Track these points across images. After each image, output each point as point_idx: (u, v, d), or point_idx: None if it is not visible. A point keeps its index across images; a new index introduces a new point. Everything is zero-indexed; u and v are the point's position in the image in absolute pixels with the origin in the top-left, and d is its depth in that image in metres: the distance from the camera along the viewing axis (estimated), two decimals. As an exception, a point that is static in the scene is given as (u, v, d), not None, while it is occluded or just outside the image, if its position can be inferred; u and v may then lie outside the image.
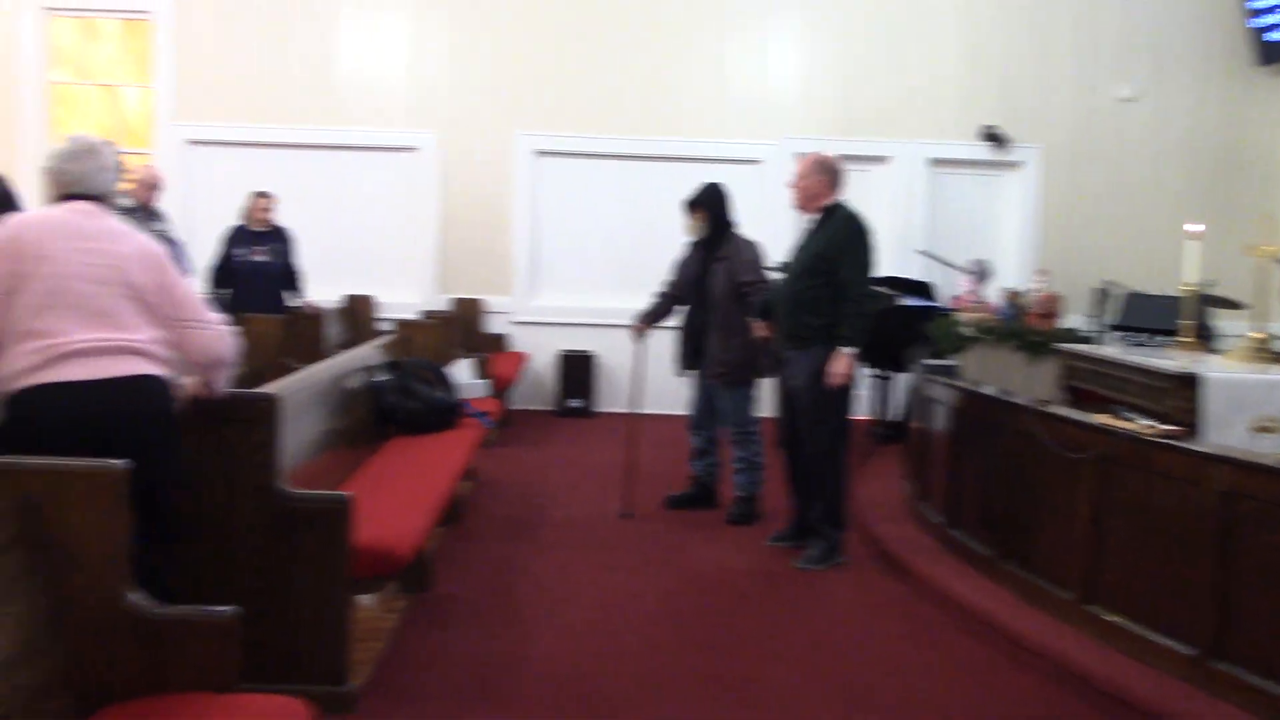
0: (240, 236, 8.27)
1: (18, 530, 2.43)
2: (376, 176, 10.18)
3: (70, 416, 3.06)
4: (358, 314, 9.66)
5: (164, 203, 7.57)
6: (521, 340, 10.22)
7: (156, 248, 3.38)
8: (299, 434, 4.18)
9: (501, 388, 8.53)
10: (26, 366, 3.09)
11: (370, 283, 9.97)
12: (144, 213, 6.96)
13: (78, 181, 3.32)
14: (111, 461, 2.57)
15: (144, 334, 3.24)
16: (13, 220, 3.23)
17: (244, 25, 10.02)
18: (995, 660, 4.30)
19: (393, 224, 10.21)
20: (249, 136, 10.01)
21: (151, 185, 7.32)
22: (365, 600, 4.43)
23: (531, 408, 10.10)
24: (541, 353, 10.22)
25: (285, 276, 8.30)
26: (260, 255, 8.19)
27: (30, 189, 10.06)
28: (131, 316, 3.22)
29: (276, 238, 8.35)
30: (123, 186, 8.53)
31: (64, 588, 2.50)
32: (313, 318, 8.36)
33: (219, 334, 3.43)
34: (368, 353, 6.16)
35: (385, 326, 8.70)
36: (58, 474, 2.52)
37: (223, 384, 3.51)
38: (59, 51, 10.15)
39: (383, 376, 5.98)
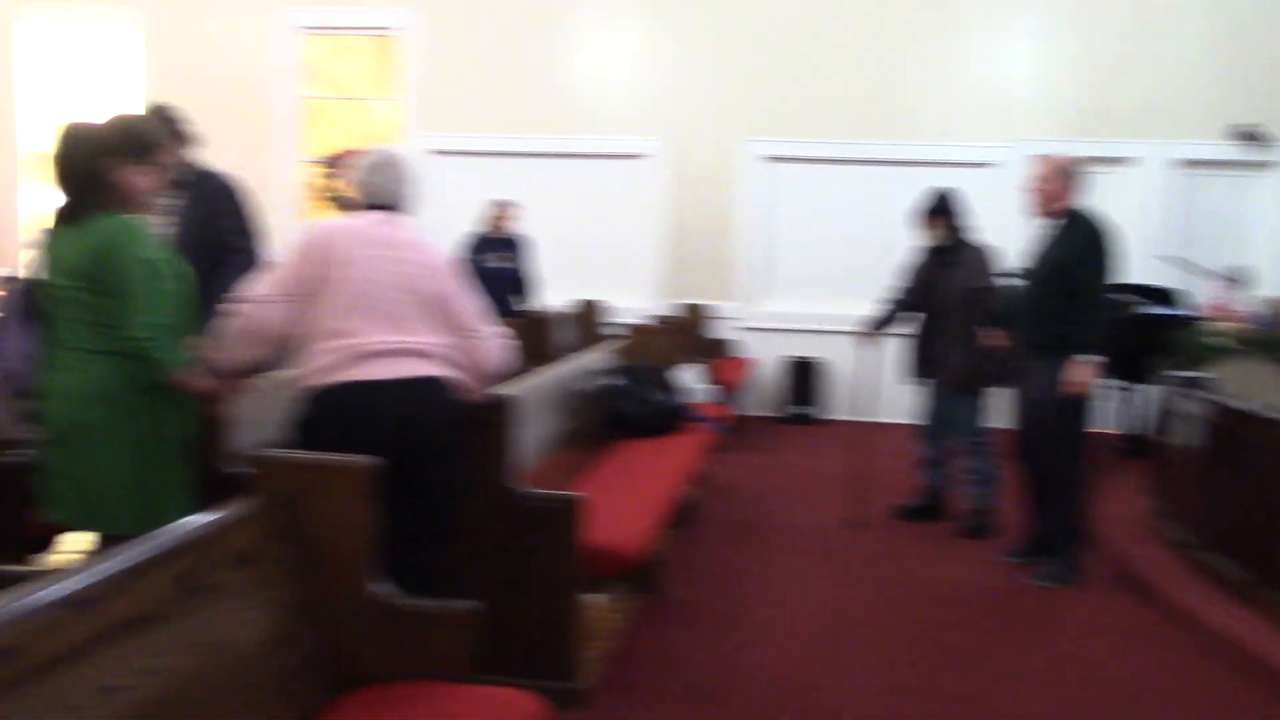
0: (480, 243, 8.61)
1: (281, 519, 2.57)
2: (606, 183, 10.36)
3: (366, 413, 3.24)
4: (588, 319, 9.84)
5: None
6: (748, 346, 10.21)
7: (446, 258, 3.55)
8: (532, 435, 4.28)
9: (728, 393, 8.54)
10: (328, 364, 3.28)
11: (600, 288, 10.15)
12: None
13: (379, 193, 3.50)
14: (361, 458, 2.68)
15: (433, 338, 3.39)
16: (319, 226, 3.43)
17: (483, 39, 10.36)
18: (1252, 692, 4.04)
19: (622, 230, 10.37)
20: (486, 146, 10.35)
21: None
22: (595, 599, 4.50)
23: (757, 414, 10.07)
24: (768, 358, 10.19)
25: (519, 282, 8.60)
26: (497, 261, 8.50)
27: (283, 195, 10.66)
28: (423, 321, 3.38)
29: (514, 245, 8.65)
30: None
31: (317, 577, 2.62)
32: (543, 322, 8.58)
33: (497, 345, 3.57)
34: (598, 356, 6.27)
35: (614, 331, 8.84)
36: (314, 468, 2.65)
37: (488, 389, 3.66)
38: (312, 68, 10.73)
39: (612, 380, 6.06)
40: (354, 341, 3.28)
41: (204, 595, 2.26)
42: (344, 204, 10.49)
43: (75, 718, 1.80)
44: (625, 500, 4.45)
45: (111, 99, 10.58)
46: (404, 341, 3.33)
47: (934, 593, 5.10)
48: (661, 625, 4.50)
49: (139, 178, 3.33)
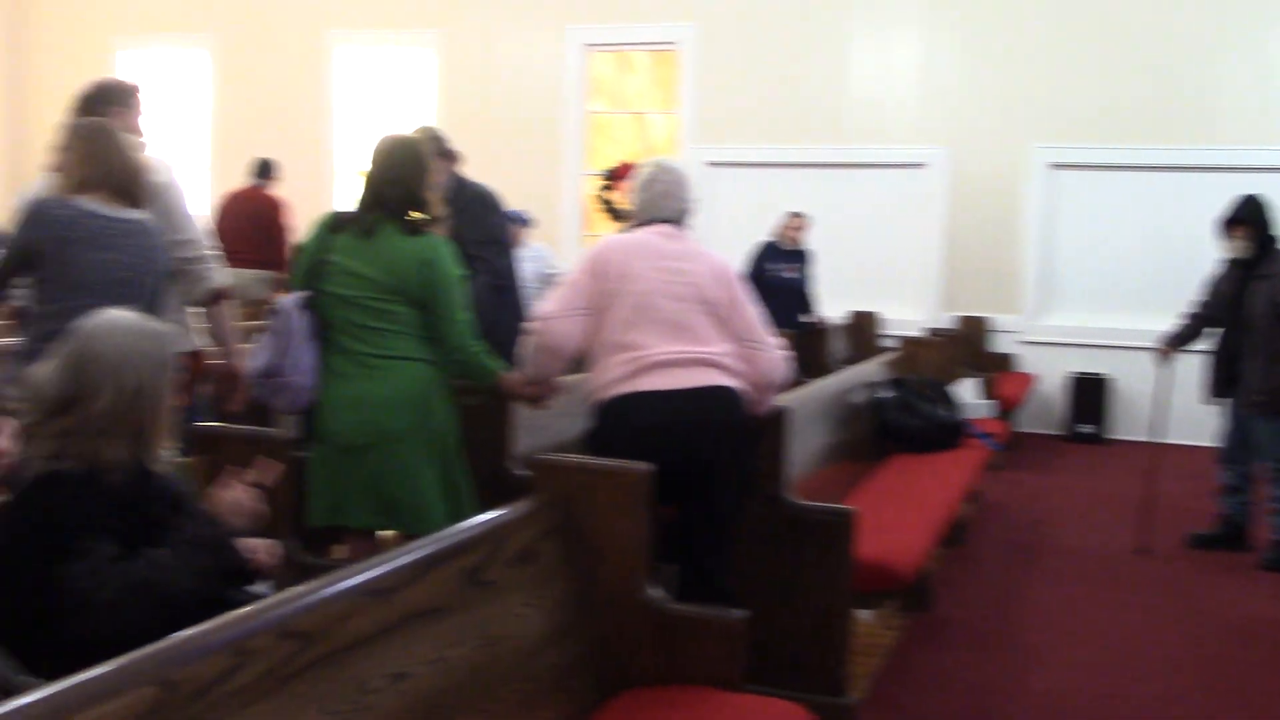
0: (772, 253, 8.69)
1: (559, 521, 2.65)
2: (883, 193, 10.20)
3: (655, 423, 3.29)
4: (861, 330, 9.73)
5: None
6: (1029, 360, 9.83)
7: (729, 267, 3.58)
8: (805, 446, 4.26)
9: (1007, 409, 8.25)
10: (616, 377, 3.35)
11: (874, 299, 10.01)
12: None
13: (659, 206, 3.56)
14: (635, 464, 2.73)
15: (719, 347, 3.41)
16: (603, 243, 3.52)
17: (760, 50, 10.40)
18: None
19: (898, 240, 10.18)
20: (761, 157, 10.39)
21: None
22: (865, 615, 4.44)
23: (1038, 431, 9.66)
24: (1051, 374, 9.77)
25: (804, 295, 8.66)
26: (789, 273, 8.57)
27: (569, 209, 11.03)
28: (707, 330, 3.41)
29: (804, 257, 8.70)
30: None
31: (591, 578, 2.69)
32: (818, 333, 8.55)
33: (778, 357, 3.57)
34: (871, 369, 6.18)
35: (888, 343, 8.70)
36: (588, 473, 2.72)
37: (770, 404, 3.66)
38: (596, 83, 11.05)
39: (886, 393, 5.97)
40: (641, 353, 3.33)
41: (487, 590, 2.35)
42: (620, 216, 10.77)
43: (368, 701, 1.91)
44: (898, 515, 4.37)
45: (409, 117, 11.20)
46: (692, 351, 3.35)
47: (1231, 627, 4.77)
48: (933, 645, 4.39)
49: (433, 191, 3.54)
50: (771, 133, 10.39)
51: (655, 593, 2.70)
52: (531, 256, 7.91)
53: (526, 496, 2.68)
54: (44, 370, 2.29)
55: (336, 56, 11.57)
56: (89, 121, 3.61)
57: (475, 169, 4.55)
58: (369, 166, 3.51)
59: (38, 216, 3.42)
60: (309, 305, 3.44)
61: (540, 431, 4.10)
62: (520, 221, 8.18)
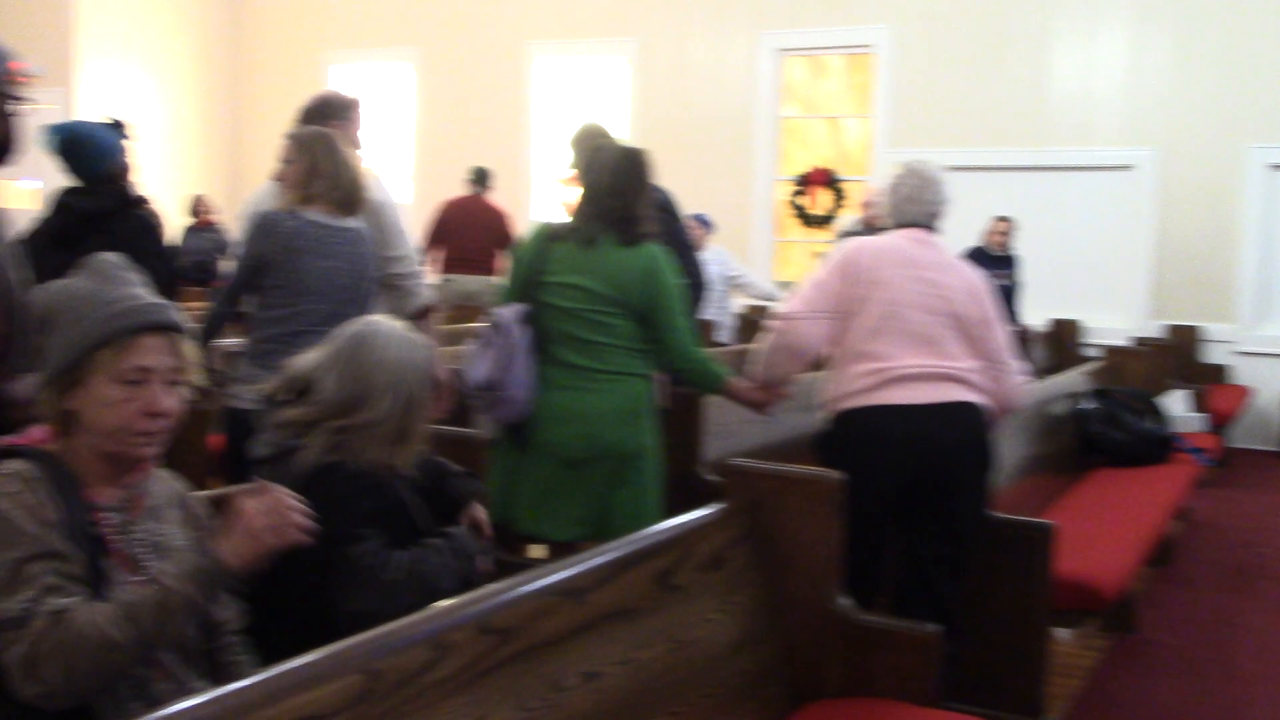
0: (979, 259, 8.40)
1: (749, 527, 2.65)
2: (1086, 197, 9.83)
3: (898, 438, 3.22)
4: (1062, 339, 9.41)
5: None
6: (1244, 372, 9.33)
7: (982, 281, 3.46)
8: (1003, 458, 4.14)
9: (1219, 423, 7.85)
10: (858, 388, 3.28)
11: (1075, 307, 9.66)
12: (870, 231, 7.34)
13: (910, 210, 3.47)
14: (828, 472, 2.71)
15: (966, 363, 3.32)
16: (850, 244, 3.44)
17: (957, 52, 10.17)
18: None
19: (1101, 246, 9.79)
20: (960, 161, 10.14)
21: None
22: (1064, 634, 4.29)
23: (1253, 447, 9.15)
24: (1268, 387, 9.24)
25: (1012, 301, 8.40)
26: (998, 279, 8.26)
27: (762, 215, 11.01)
28: (955, 346, 3.31)
29: (1011, 262, 8.43)
30: (854, 212, 9.10)
31: (780, 585, 2.67)
32: (1019, 341, 8.31)
33: (1020, 381, 3.47)
34: (1073, 379, 5.98)
35: (1091, 352, 8.39)
36: (779, 479, 2.70)
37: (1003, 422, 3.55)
38: (789, 88, 11.00)
39: (1089, 404, 5.76)
40: (884, 365, 3.25)
41: (677, 594, 2.37)
42: (811, 221, 10.69)
43: (561, 699, 1.95)
44: (1101, 531, 4.21)
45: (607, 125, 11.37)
46: (939, 366, 3.26)
47: None
48: (1137, 669, 4.21)
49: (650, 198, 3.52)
50: (969, 136, 10.15)
51: (845, 602, 2.67)
52: (713, 260, 7.95)
53: (716, 502, 2.68)
54: (314, 368, 2.39)
55: (535, 67, 11.83)
56: (313, 132, 3.74)
57: (668, 175, 4.57)
58: (588, 174, 3.49)
59: (266, 228, 3.59)
60: (528, 318, 3.44)
61: (730, 436, 4.10)
62: (704, 225, 8.31)
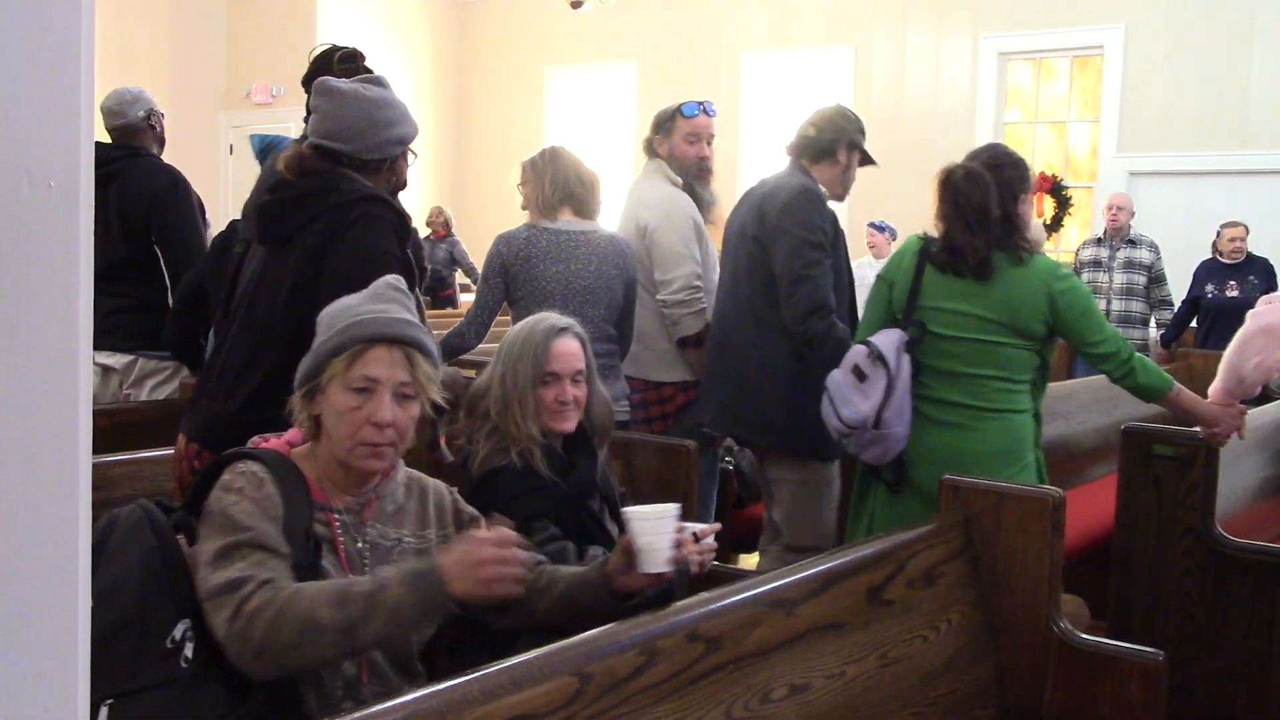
0: (1212, 270, 7.95)
1: (964, 543, 2.59)
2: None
3: None
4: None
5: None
6: None
7: None
8: (1239, 479, 3.93)
9: None
10: None
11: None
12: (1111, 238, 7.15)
13: None
14: (1047, 489, 2.62)
15: None
16: None
17: (1195, 50, 9.68)
18: None
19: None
20: (1194, 165, 9.66)
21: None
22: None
23: None
24: None
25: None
26: (1233, 290, 7.78)
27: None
28: None
29: (1249, 270, 7.95)
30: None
31: (995, 604, 2.60)
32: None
33: None
34: (1320, 396, 5.61)
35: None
36: (994, 494, 2.63)
37: None
38: (1014, 92, 10.69)
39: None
40: None
41: (888, 609, 2.34)
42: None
43: (768, 710, 1.95)
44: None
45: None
46: None
47: None
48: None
49: (1029, 209, 3.23)
50: (1206, 139, 9.64)
51: (1066, 624, 2.58)
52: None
53: (931, 517, 2.64)
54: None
55: (750, 77, 11.85)
56: (541, 152, 3.83)
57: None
58: (946, 191, 3.19)
59: (503, 242, 3.70)
60: (907, 347, 3.16)
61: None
62: (880, 231, 8.89)
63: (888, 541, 2.47)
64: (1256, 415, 4.48)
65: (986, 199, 3.10)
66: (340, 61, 3.30)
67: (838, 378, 3.19)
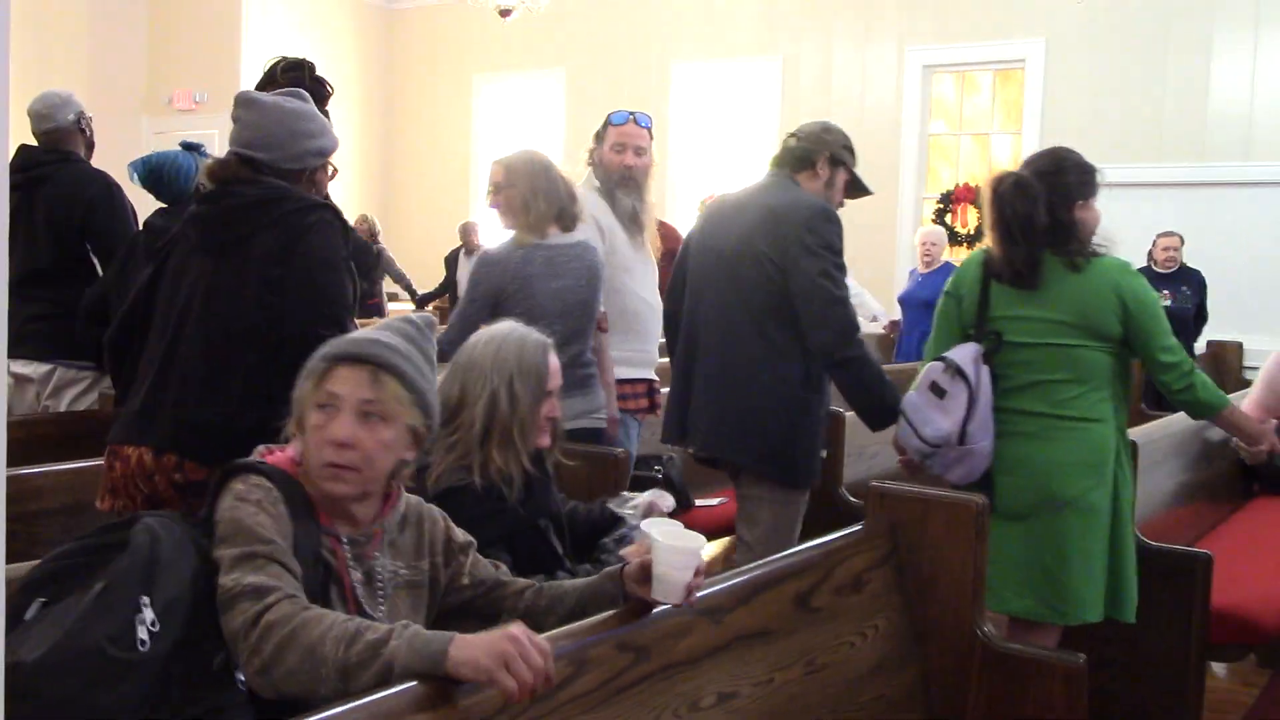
0: (1148, 278, 8.12)
1: (889, 550, 2.62)
2: (1247, 214, 9.43)
3: None
4: (1222, 361, 9.06)
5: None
6: None
7: None
8: (1156, 484, 4.01)
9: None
10: None
11: (1237, 328, 9.28)
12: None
13: None
14: (972, 495, 2.66)
15: None
16: None
17: (1115, 65, 9.89)
18: None
19: (1264, 265, 9.39)
20: (1115, 178, 9.81)
21: None
22: (1220, 669, 4.13)
23: None
24: None
25: (1186, 321, 8.01)
26: (1166, 299, 7.93)
27: (909, 229, 10.86)
28: None
29: (1181, 280, 8.12)
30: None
31: (921, 610, 2.63)
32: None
33: None
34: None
35: (1252, 376, 8.06)
36: (923, 502, 2.66)
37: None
38: (938, 103, 10.84)
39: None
40: None
41: (815, 616, 2.36)
42: (959, 240, 10.49)
43: (697, 718, 1.96)
44: (1261, 562, 4.04)
45: (749, 137, 11.42)
46: None
47: None
48: (1301, 707, 4.02)
49: (1091, 214, 3.22)
50: (1125, 151, 9.85)
51: (988, 630, 2.61)
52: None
53: (856, 523, 2.66)
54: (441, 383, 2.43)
55: (679, 86, 11.90)
56: (523, 156, 3.68)
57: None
58: (993, 200, 3.15)
59: (494, 265, 3.55)
60: (984, 358, 3.10)
61: (870, 459, 4.06)
62: None
63: (815, 549, 2.49)
64: (1173, 421, 4.59)
65: (1033, 208, 3.07)
66: (284, 71, 3.32)
67: (914, 398, 3.13)
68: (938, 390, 3.08)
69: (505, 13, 10.43)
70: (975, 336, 3.14)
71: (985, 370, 3.07)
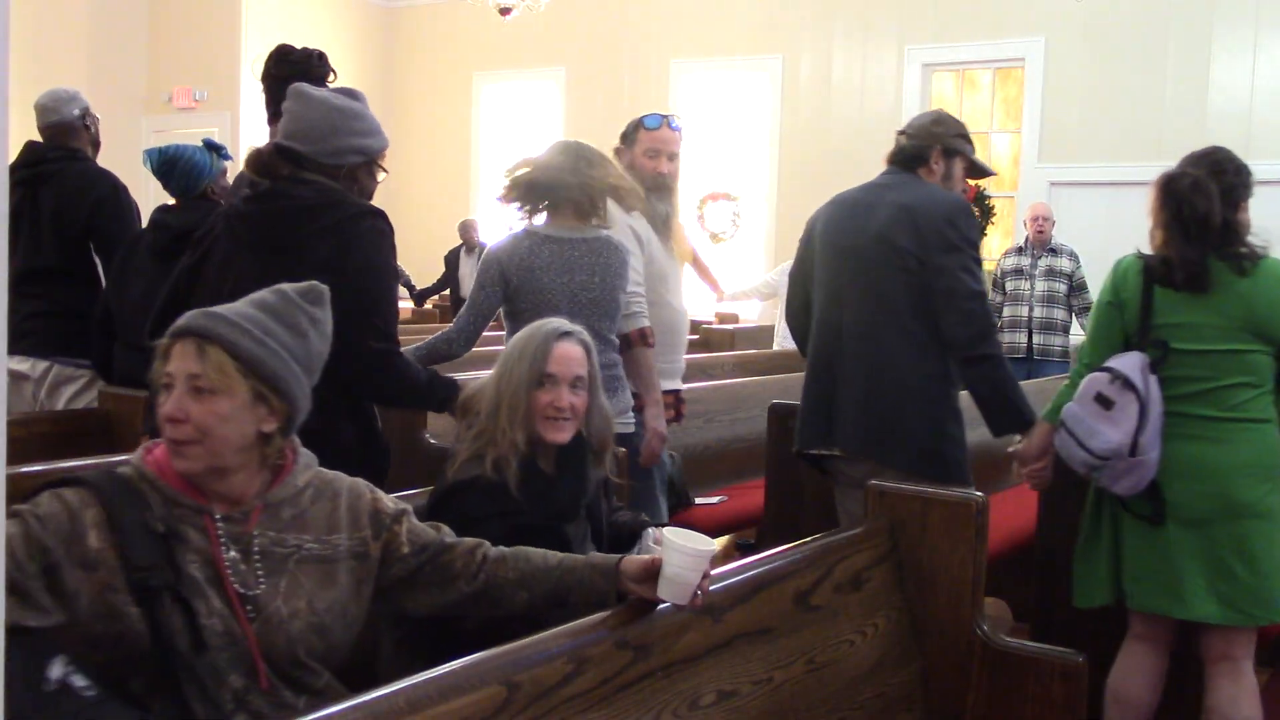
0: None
1: (889, 548, 2.62)
2: (1259, 212, 9.43)
3: None
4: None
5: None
6: None
7: None
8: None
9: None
10: None
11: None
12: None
13: None
14: (972, 493, 2.66)
15: None
16: None
17: (1113, 64, 9.89)
18: None
19: (1267, 264, 9.40)
20: (1114, 176, 9.87)
21: None
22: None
23: None
24: None
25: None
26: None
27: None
28: None
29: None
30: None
31: (922, 607, 2.64)
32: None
33: None
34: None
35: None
36: (922, 499, 2.67)
37: None
38: (938, 102, 10.83)
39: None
40: None
41: (815, 614, 2.36)
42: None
43: (697, 716, 1.95)
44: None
45: (749, 135, 11.43)
46: None
47: None
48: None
49: (1248, 215, 3.16)
50: (1125, 150, 9.85)
51: (987, 627, 2.61)
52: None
53: (859, 523, 2.66)
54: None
55: (677, 83, 11.90)
56: (564, 144, 3.55)
57: (814, 193, 4.54)
58: (1169, 199, 3.13)
59: (503, 248, 3.44)
60: (1151, 367, 3.01)
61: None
62: None
63: (815, 547, 2.49)
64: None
65: (1210, 208, 3.03)
66: (278, 60, 3.40)
67: (1076, 410, 3.03)
68: (1104, 401, 2.98)
69: (505, 11, 10.43)
70: (1138, 344, 3.04)
71: (1154, 380, 2.98)
